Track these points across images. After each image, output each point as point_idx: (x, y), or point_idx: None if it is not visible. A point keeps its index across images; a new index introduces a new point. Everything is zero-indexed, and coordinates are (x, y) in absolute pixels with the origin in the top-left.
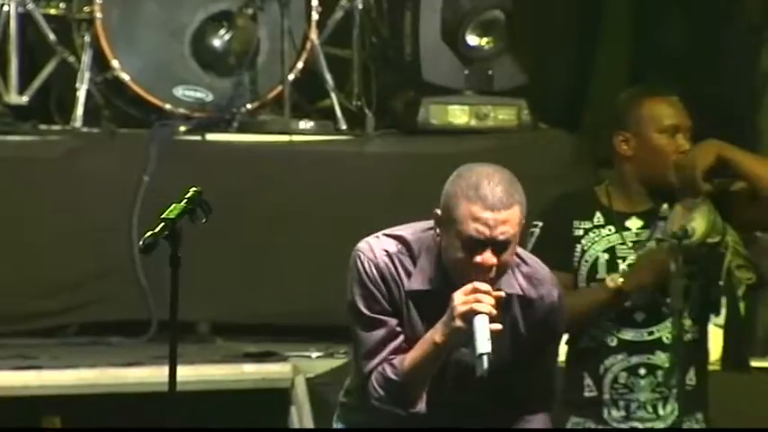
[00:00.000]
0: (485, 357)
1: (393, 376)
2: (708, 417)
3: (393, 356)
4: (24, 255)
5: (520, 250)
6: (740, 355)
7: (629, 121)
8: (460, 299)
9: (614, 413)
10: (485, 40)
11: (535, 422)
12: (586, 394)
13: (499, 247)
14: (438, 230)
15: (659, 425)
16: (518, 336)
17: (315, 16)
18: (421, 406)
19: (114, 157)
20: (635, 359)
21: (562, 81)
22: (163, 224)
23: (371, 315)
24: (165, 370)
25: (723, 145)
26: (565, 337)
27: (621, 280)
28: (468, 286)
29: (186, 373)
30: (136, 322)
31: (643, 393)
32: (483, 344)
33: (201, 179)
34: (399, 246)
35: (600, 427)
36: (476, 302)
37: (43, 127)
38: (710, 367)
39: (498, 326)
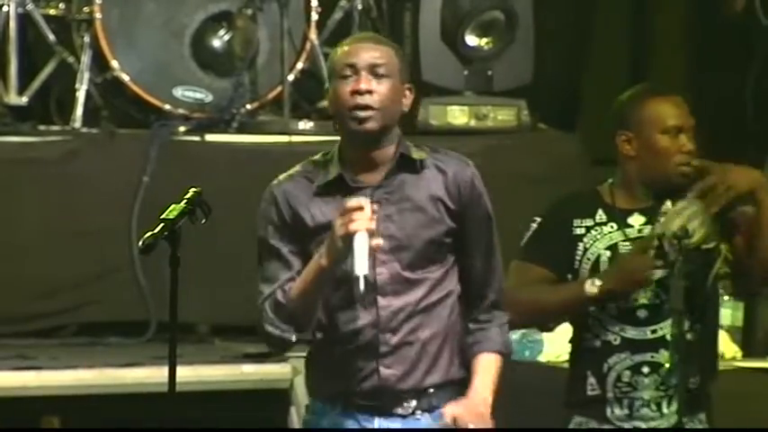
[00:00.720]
0: (361, 279)
1: (282, 300)
2: (711, 417)
3: (286, 284)
4: (23, 255)
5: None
6: (712, 363)
7: (631, 120)
8: (338, 221)
9: (617, 412)
10: (484, 40)
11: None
12: (589, 393)
13: (372, 71)
14: (330, 109)
15: (663, 423)
16: (450, 211)
17: (314, 17)
18: (309, 330)
19: (114, 158)
20: (638, 357)
21: (562, 81)
22: (162, 225)
23: (264, 243)
24: (165, 370)
25: (764, 182)
26: (568, 335)
27: (599, 284)
28: (349, 209)
29: (185, 373)
30: (135, 323)
31: (647, 391)
32: (360, 265)
33: (201, 180)
34: (305, 166)
35: (604, 426)
36: (350, 222)
37: (43, 127)
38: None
39: (380, 241)
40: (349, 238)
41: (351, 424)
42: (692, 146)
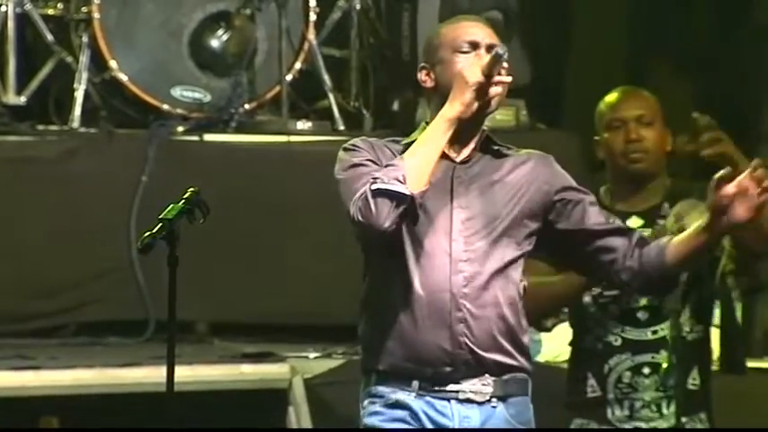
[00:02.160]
0: (499, 49)
1: (395, 162)
2: (711, 417)
3: None
4: (22, 255)
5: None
6: (736, 358)
7: (597, 124)
8: (467, 64)
9: (618, 413)
10: None
11: None
12: (590, 395)
13: (489, 49)
14: (427, 78)
15: (663, 424)
16: (535, 196)
17: (312, 17)
18: (423, 188)
19: (112, 158)
20: (639, 358)
21: (561, 82)
22: (161, 224)
23: (361, 162)
24: (163, 370)
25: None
26: (566, 335)
27: None
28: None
29: (184, 373)
30: (134, 322)
31: (647, 392)
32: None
33: (199, 179)
34: (383, 139)
35: (604, 427)
36: (483, 58)
37: (41, 127)
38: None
39: (510, 78)
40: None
41: (426, 408)
42: (635, 135)
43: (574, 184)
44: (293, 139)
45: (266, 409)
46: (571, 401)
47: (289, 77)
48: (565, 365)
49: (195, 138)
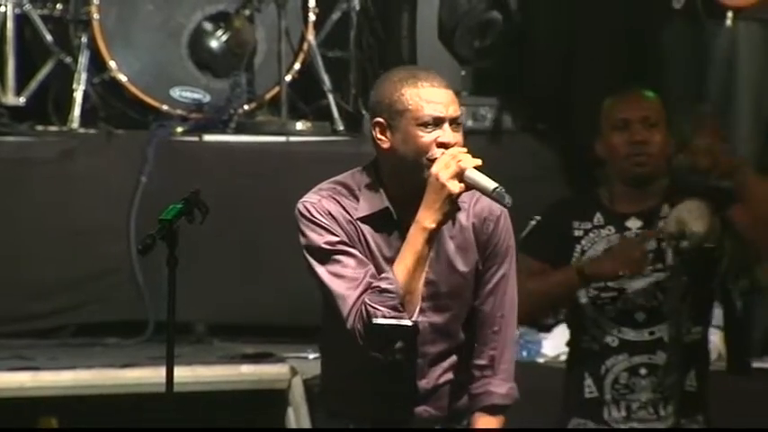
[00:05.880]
0: (500, 189)
1: (389, 286)
2: (709, 419)
3: (376, 275)
4: (21, 255)
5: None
6: (742, 359)
7: (600, 126)
8: (438, 171)
9: (615, 414)
10: (482, 40)
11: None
12: (587, 395)
13: (454, 123)
14: (384, 137)
15: (660, 425)
16: (476, 254)
17: (312, 17)
18: (416, 316)
19: (111, 158)
20: (636, 359)
21: (558, 82)
22: (160, 225)
23: (333, 248)
24: (162, 371)
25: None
26: (566, 336)
27: (582, 265)
28: (444, 156)
29: (183, 374)
30: (133, 323)
31: (644, 393)
32: (490, 182)
33: (199, 180)
34: (337, 187)
35: (601, 427)
36: (458, 161)
37: (40, 128)
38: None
39: (479, 161)
40: (462, 175)
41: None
42: (640, 137)
43: (502, 247)
44: (292, 139)
45: (265, 410)
46: (568, 401)
47: (288, 78)
48: (564, 366)
49: (194, 138)
